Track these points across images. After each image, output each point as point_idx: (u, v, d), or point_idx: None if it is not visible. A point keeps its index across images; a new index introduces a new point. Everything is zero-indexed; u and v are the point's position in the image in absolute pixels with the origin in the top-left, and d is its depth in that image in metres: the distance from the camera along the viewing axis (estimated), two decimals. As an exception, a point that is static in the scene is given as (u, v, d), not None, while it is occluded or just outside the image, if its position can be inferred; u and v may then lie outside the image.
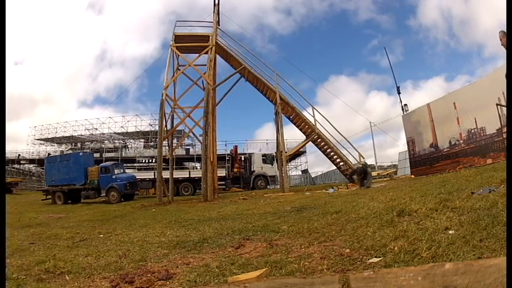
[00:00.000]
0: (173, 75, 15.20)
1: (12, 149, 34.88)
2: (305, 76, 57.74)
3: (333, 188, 12.80)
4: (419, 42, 51.15)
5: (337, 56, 55.57)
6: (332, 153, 15.83)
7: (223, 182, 20.58)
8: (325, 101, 66.90)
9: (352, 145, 15.96)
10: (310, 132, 15.63)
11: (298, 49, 54.96)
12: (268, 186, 20.69)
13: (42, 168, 24.44)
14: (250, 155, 24.30)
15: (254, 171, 22.06)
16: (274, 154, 23.03)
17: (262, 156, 22.52)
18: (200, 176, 19.40)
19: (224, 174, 21.36)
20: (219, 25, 16.24)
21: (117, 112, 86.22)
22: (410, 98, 67.27)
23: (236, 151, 23.93)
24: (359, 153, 15.77)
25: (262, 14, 57.33)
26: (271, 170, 20.96)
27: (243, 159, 24.12)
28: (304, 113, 15.35)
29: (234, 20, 57.47)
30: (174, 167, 17.07)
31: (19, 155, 34.24)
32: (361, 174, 11.84)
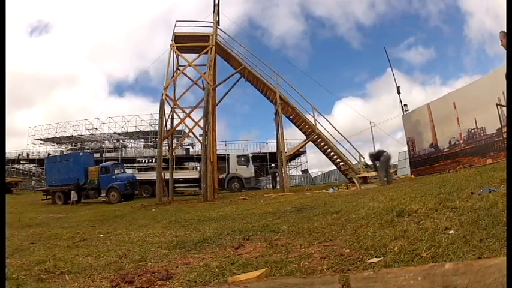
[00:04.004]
0: (173, 75, 15.21)
1: (16, 146, 34.78)
2: (364, 68, 63.76)
3: (333, 188, 12.79)
4: (459, 49, 58.61)
5: (397, 54, 59.65)
6: (332, 153, 15.84)
7: (195, 184, 19.61)
8: (375, 94, 67.93)
9: (352, 145, 15.97)
10: (310, 132, 15.63)
11: (375, 39, 58.86)
12: (243, 189, 19.65)
13: (42, 168, 24.45)
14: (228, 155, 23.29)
15: (229, 172, 20.92)
16: (250, 155, 22.05)
17: (237, 157, 21.16)
18: (179, 177, 19.30)
19: (198, 176, 20.52)
20: (218, 25, 16.25)
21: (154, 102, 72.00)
22: (436, 93, 68.99)
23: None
24: (359, 153, 15.80)
25: (347, 2, 59.99)
26: (246, 171, 19.85)
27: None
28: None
29: (321, 4, 60.72)
30: (175, 167, 16.94)
31: (19, 155, 34.27)
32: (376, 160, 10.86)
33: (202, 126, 13.82)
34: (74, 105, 52.84)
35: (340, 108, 55.28)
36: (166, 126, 14.81)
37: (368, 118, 30.49)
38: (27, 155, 34.11)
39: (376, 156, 11.08)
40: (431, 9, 57.60)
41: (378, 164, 10.98)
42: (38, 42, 51.78)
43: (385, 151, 11.37)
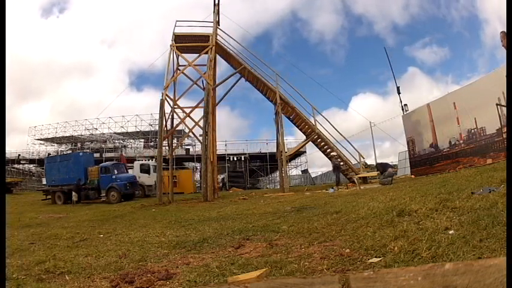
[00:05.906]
0: (173, 75, 15.21)
1: (17, 146, 34.55)
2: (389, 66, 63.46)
3: (333, 188, 12.80)
4: (474, 51, 61.02)
5: (421, 55, 62.35)
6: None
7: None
8: (395, 92, 68.93)
9: (352, 145, 15.99)
10: (310, 132, 15.64)
11: (402, 38, 61.09)
12: (145, 196, 19.44)
13: (42, 168, 24.42)
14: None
15: None
16: (153, 164, 22.12)
17: (140, 165, 21.90)
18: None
19: None
20: (218, 25, 16.25)
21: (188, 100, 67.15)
22: (445, 89, 69.62)
23: (122, 159, 23.41)
24: (359, 153, 15.81)
25: (383, 2, 61.90)
26: (148, 179, 20.45)
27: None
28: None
29: (360, 1, 62.70)
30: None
31: (19, 155, 34.30)
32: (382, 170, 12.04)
33: (202, 126, 13.82)
34: (88, 98, 49.17)
35: (357, 104, 56.07)
36: (166, 126, 14.81)
37: (383, 116, 30.54)
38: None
39: (384, 167, 12.17)
40: (455, 15, 60.11)
41: (383, 173, 11.93)
42: (50, 24, 48.20)
43: (392, 166, 12.82)
